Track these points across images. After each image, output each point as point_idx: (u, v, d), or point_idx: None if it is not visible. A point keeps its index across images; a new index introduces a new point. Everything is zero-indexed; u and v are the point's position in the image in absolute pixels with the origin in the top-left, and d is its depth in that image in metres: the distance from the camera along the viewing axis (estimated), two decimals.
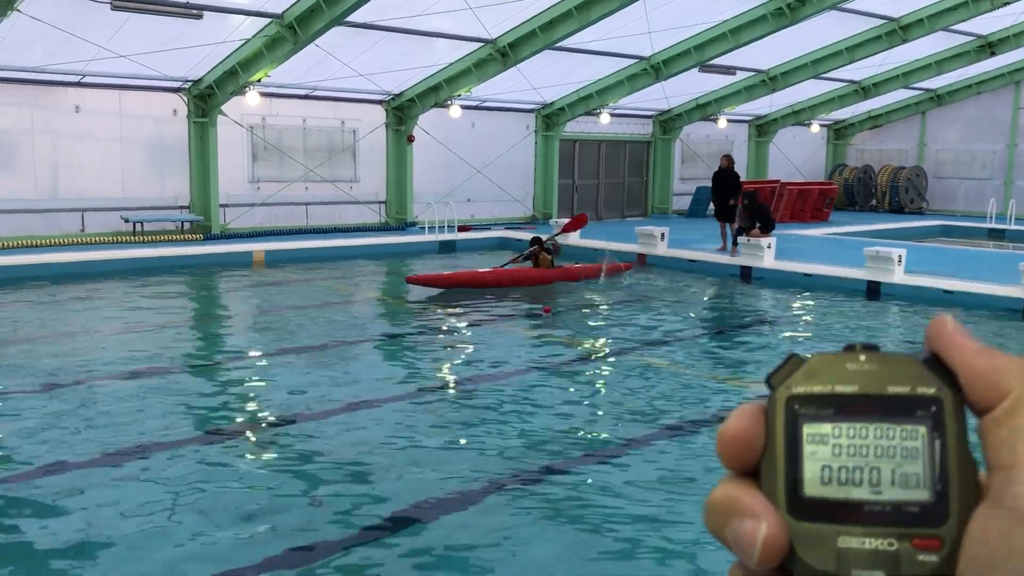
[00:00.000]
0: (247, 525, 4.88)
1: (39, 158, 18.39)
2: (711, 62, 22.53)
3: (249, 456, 6.12)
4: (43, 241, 17.70)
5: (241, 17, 17.00)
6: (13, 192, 18.06)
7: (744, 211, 16.85)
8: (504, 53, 19.97)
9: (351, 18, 16.96)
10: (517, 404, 7.47)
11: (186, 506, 5.11)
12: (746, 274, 15.98)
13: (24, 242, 17.41)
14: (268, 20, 17.04)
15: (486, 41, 19.88)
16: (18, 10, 14.14)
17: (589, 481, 5.69)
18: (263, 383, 8.22)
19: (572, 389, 8.07)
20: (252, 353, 9.58)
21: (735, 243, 16.91)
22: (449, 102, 22.22)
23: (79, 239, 18.30)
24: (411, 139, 22.92)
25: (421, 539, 4.77)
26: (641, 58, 22.73)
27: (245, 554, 4.54)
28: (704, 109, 27.56)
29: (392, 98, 22.66)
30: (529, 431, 6.68)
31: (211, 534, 4.77)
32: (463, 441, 6.44)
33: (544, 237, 15.46)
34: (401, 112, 22.87)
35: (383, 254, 19.26)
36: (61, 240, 17.94)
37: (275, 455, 6.10)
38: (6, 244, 17.15)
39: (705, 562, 4.62)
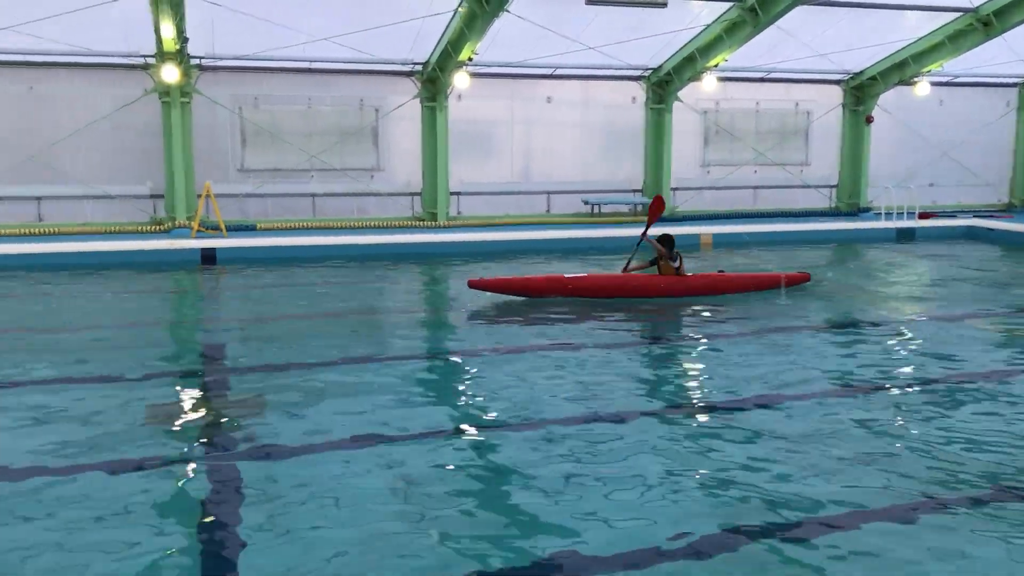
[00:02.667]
0: (699, 496, 4.99)
1: (515, 145, 20.40)
2: None
3: (693, 431, 6.24)
4: (514, 220, 19.66)
5: (703, 3, 17.27)
6: (492, 176, 20.26)
7: None
8: (987, 22, 17.94)
9: None
10: (977, 408, 6.74)
11: (641, 472, 5.36)
12: None
13: (500, 220, 19.48)
14: (730, 4, 17.12)
15: (965, 10, 18.02)
16: (507, 10, 15.76)
17: None
18: (710, 364, 8.34)
19: None
20: (696, 334, 9.76)
21: None
22: (916, 79, 20.56)
23: (544, 219, 20.02)
24: (870, 120, 21.64)
25: (854, 543, 4.53)
26: None
27: (698, 523, 4.64)
28: None
29: (851, 77, 21.55)
30: (986, 442, 6.00)
31: (663, 498, 4.96)
32: (910, 444, 5.97)
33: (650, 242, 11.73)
34: (860, 92, 21.66)
35: (832, 240, 18.50)
36: (530, 219, 19.76)
37: (722, 435, 6.15)
38: (485, 221, 19.33)
39: None
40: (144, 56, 17.11)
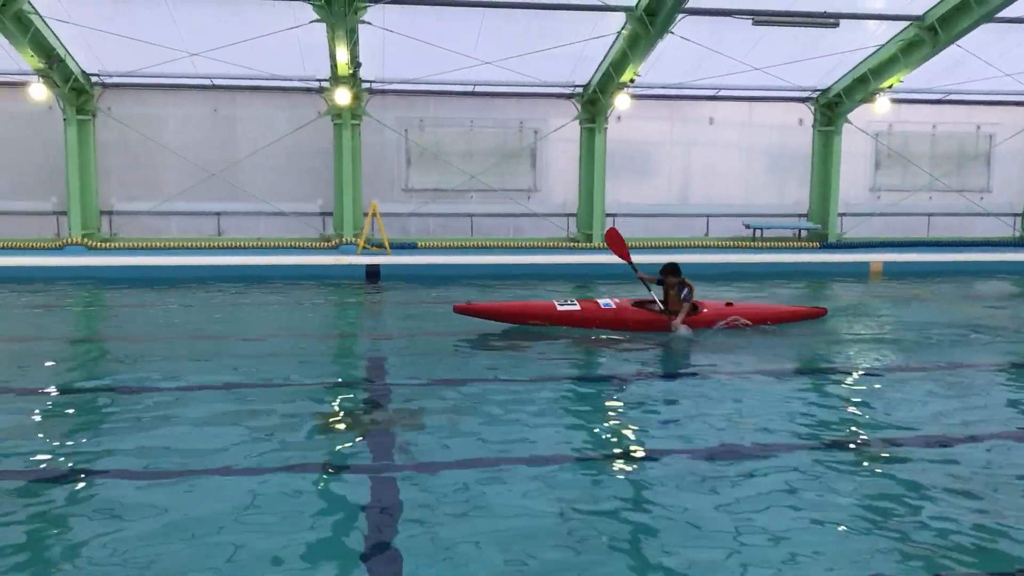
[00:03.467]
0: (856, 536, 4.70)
1: (674, 167, 20.17)
2: None
3: (850, 471, 5.89)
4: (671, 242, 19.37)
5: (877, 22, 16.59)
6: (649, 197, 20.09)
7: None
8: None
9: (1000, 13, 15.47)
10: None
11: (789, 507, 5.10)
12: None
13: (656, 243, 19.24)
14: (906, 23, 16.37)
15: None
16: (671, 32, 15.62)
17: None
18: (876, 398, 7.89)
19: None
20: (865, 366, 9.27)
21: None
22: None
23: (702, 243, 19.63)
24: None
25: None
26: None
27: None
28: None
29: None
30: None
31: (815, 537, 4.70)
32: None
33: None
34: None
35: (1017, 272, 17.27)
36: (687, 243, 19.43)
37: (880, 475, 5.78)
38: (641, 243, 19.14)
39: None
40: (319, 80, 17.97)
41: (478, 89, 18.78)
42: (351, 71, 16.79)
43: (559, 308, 10.43)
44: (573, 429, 6.74)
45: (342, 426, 6.75)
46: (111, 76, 17.73)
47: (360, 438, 6.43)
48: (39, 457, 5.92)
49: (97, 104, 18.01)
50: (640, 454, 6.21)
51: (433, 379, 8.28)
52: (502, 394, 7.72)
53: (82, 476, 5.55)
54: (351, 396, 7.77)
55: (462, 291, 14.16)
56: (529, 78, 17.97)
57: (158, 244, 17.74)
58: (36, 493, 5.26)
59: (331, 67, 16.95)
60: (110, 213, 18.51)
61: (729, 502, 5.27)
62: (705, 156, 20.20)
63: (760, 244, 19.58)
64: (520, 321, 10.53)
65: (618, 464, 5.98)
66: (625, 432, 6.83)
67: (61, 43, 16.22)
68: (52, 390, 7.78)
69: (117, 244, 17.78)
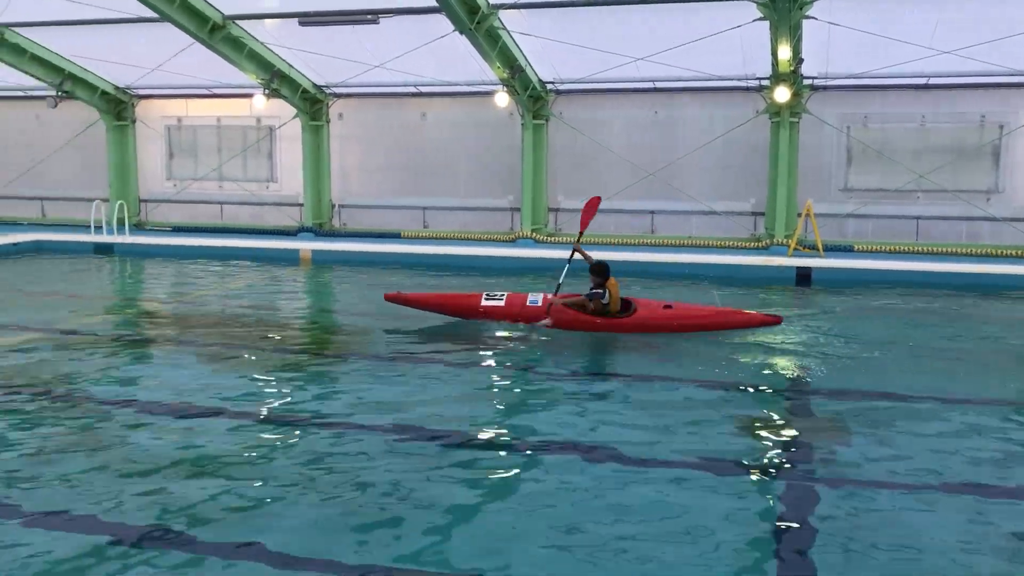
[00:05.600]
0: None
1: None
2: None
3: None
4: None
5: None
6: None
7: None
8: None
9: None
10: None
11: None
12: None
13: None
14: None
15: None
16: None
17: None
18: None
19: None
20: None
21: None
22: None
23: None
24: None
25: None
26: None
27: None
28: None
29: None
30: None
31: None
32: None
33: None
34: None
35: None
36: None
37: None
38: None
39: None
40: (759, 79, 17.78)
41: (932, 82, 17.26)
42: (792, 68, 16.36)
43: (484, 303, 10.59)
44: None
45: (764, 430, 6.69)
46: (563, 83, 19.16)
47: (781, 444, 6.32)
48: (484, 423, 6.66)
49: (550, 109, 19.57)
50: None
51: (864, 390, 7.85)
52: (937, 414, 7.09)
53: (522, 447, 6.13)
54: (775, 400, 7.66)
55: (906, 300, 13.16)
56: (996, 67, 16.10)
57: (596, 240, 18.82)
58: (451, 456, 5.92)
59: (772, 65, 16.65)
60: (556, 210, 20.04)
61: None
62: None
63: None
64: (445, 313, 10.77)
65: None
66: None
67: (523, 54, 17.87)
68: (488, 367, 8.70)
69: (559, 239, 19.19)
